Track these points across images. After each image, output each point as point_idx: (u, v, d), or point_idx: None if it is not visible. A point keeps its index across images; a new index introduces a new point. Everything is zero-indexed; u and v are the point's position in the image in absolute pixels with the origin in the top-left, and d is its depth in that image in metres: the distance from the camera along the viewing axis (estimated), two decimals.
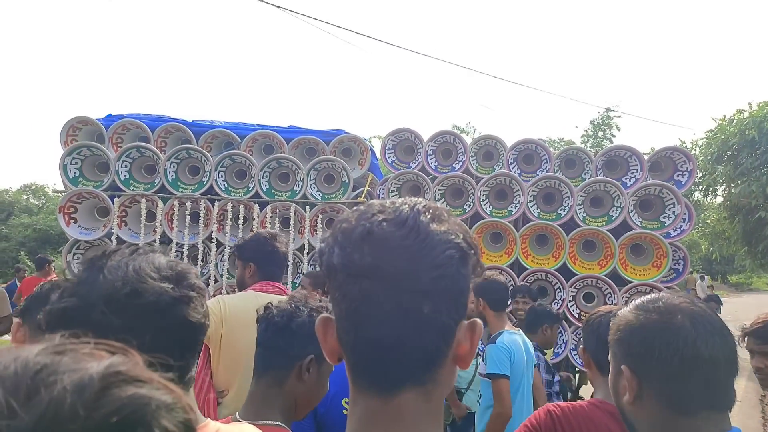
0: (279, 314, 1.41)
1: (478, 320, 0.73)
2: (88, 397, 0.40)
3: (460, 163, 5.60)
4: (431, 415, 0.70)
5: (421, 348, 0.68)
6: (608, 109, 20.64)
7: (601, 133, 21.19)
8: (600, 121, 21.27)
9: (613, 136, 21.17)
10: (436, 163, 5.68)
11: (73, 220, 5.15)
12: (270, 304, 1.47)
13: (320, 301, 1.52)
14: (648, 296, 1.10)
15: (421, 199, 0.73)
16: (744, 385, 7.30)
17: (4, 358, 0.42)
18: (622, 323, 1.07)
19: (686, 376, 0.97)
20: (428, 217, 0.69)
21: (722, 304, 5.92)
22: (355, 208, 0.75)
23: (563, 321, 4.71)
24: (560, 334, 4.64)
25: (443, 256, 0.68)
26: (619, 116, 21.04)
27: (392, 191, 5.44)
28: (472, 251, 0.71)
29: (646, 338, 1.01)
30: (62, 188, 5.43)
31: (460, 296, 0.71)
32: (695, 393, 0.98)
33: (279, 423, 1.30)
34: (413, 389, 0.69)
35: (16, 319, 1.87)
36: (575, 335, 4.98)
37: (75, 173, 5.19)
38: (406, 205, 0.71)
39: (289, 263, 5.19)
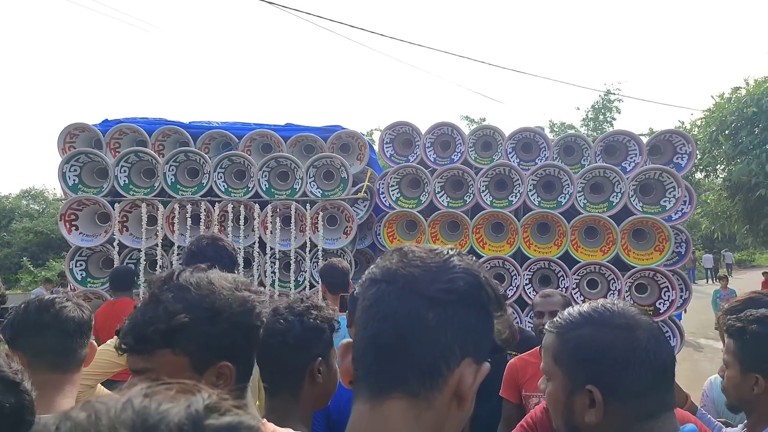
0: (271, 335, 1.34)
1: (487, 364, 0.75)
2: (200, 428, 0.46)
3: (459, 154, 5.59)
4: None
5: (418, 355, 0.70)
6: (608, 92, 20.60)
7: (601, 117, 21.15)
8: (600, 105, 21.23)
9: (614, 119, 21.15)
10: (435, 156, 5.66)
11: (74, 228, 5.14)
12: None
13: (302, 301, 1.48)
14: (596, 308, 1.08)
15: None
16: None
17: (111, 403, 0.47)
18: (584, 342, 1.04)
19: (656, 386, 1.02)
20: (458, 255, 0.77)
21: None
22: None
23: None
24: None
25: (454, 276, 0.74)
26: (621, 100, 21.01)
27: (392, 185, 5.43)
28: (484, 292, 0.75)
29: (618, 357, 1.02)
30: (62, 195, 5.43)
31: (470, 332, 0.73)
32: (661, 398, 1.03)
33: None
34: (403, 399, 0.70)
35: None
36: None
37: (74, 180, 5.18)
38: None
39: (292, 261, 5.21)
